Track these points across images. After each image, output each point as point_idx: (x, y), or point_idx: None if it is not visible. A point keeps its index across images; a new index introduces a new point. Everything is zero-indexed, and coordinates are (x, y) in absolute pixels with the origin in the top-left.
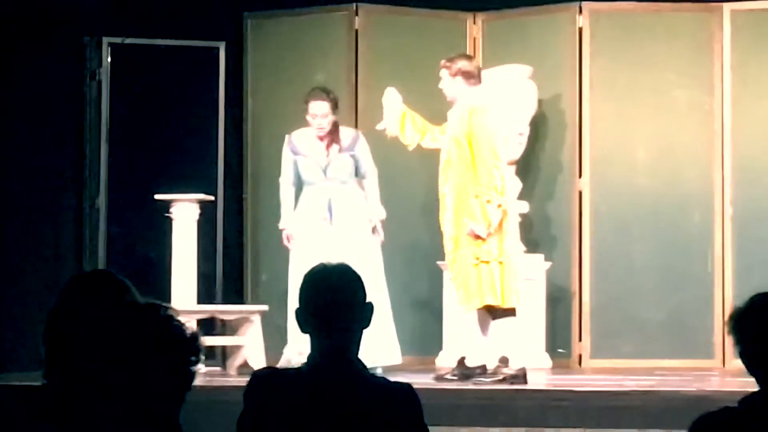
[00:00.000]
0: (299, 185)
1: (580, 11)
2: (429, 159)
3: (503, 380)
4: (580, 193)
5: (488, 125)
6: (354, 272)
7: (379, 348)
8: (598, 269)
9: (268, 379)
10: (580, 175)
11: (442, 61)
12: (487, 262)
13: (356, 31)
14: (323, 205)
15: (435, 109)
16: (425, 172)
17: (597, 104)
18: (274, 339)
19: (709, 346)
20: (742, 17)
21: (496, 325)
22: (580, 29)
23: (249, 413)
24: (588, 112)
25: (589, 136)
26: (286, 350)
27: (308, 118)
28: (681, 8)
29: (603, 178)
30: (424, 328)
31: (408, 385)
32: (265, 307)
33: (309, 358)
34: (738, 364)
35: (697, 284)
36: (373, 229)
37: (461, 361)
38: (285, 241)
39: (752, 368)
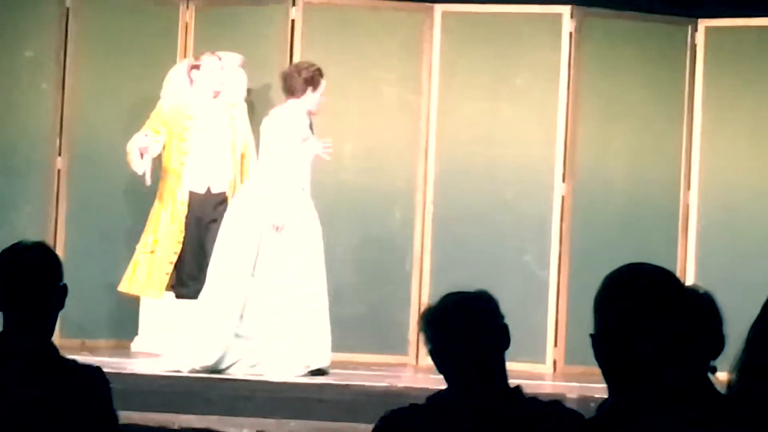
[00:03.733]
0: None
1: (294, 3)
2: None
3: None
4: None
5: None
6: (52, 252)
7: (312, 348)
8: None
9: None
10: None
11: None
12: None
13: (67, 9)
14: None
15: (141, 93)
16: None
17: None
18: None
19: (404, 343)
20: (452, 19)
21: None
22: (293, 21)
23: None
24: None
25: None
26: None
27: None
28: (394, 6)
29: (310, 172)
30: (120, 312)
31: (96, 368)
32: None
33: None
34: (430, 361)
35: (395, 281)
36: None
37: None
38: None
39: (441, 366)
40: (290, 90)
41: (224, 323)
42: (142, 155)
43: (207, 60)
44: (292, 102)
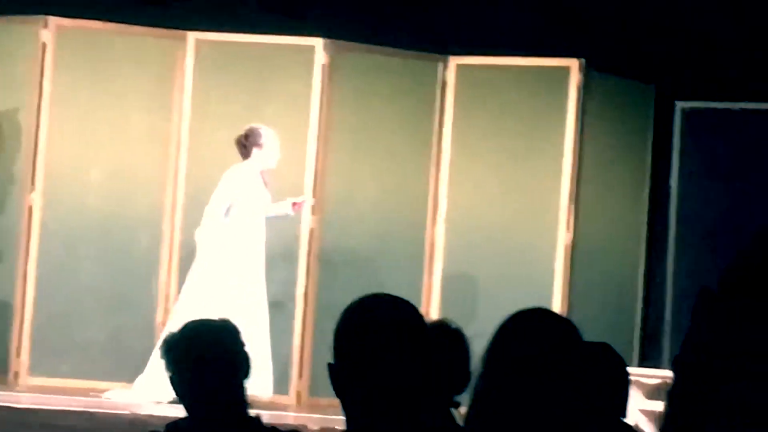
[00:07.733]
0: None
1: (46, 25)
2: None
3: None
4: (31, 207)
5: None
6: None
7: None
8: (43, 286)
9: None
10: (32, 190)
11: None
12: None
13: None
14: None
15: None
16: None
17: (56, 121)
18: None
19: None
20: (206, 47)
21: None
22: (44, 43)
23: None
24: (45, 128)
25: (44, 152)
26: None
27: None
28: (147, 33)
29: (55, 195)
30: None
31: None
32: None
33: None
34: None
35: (140, 307)
36: None
37: None
38: None
39: (180, 393)
40: (242, 153)
41: None
42: None
43: None
44: (248, 161)
